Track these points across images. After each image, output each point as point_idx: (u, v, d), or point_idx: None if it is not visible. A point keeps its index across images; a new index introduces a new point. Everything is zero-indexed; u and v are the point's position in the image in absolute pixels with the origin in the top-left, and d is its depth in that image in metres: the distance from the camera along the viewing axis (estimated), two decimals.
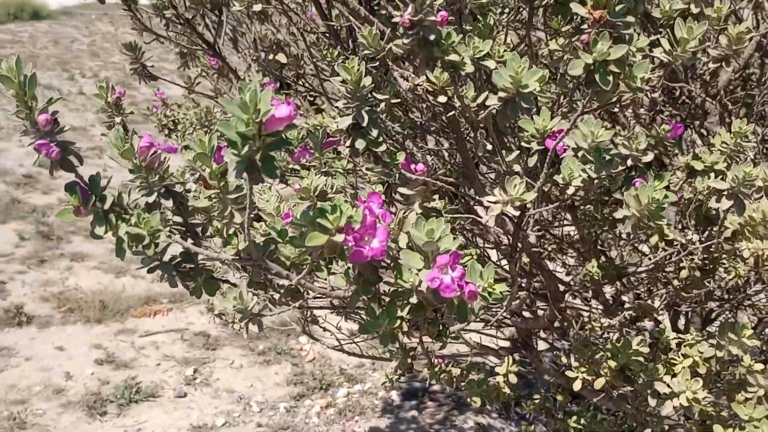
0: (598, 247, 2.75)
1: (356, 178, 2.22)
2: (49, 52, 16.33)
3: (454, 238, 1.56)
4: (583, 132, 1.90)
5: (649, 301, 2.74)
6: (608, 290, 2.63)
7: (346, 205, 1.52)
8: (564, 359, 2.70)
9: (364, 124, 1.76)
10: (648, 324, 2.96)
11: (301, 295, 2.00)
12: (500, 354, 2.90)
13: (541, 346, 3.47)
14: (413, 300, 1.70)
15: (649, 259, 2.56)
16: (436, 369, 2.70)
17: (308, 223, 1.50)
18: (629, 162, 1.99)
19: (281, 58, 2.84)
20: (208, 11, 2.88)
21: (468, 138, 2.07)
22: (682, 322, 3.09)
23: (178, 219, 1.93)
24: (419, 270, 1.60)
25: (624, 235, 2.69)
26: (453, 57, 1.71)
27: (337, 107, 1.81)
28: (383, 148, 1.80)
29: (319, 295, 1.97)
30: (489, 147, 2.02)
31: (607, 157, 1.80)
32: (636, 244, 2.91)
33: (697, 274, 2.35)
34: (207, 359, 5.00)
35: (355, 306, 1.81)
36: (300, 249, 1.68)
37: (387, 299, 1.80)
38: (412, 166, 2.01)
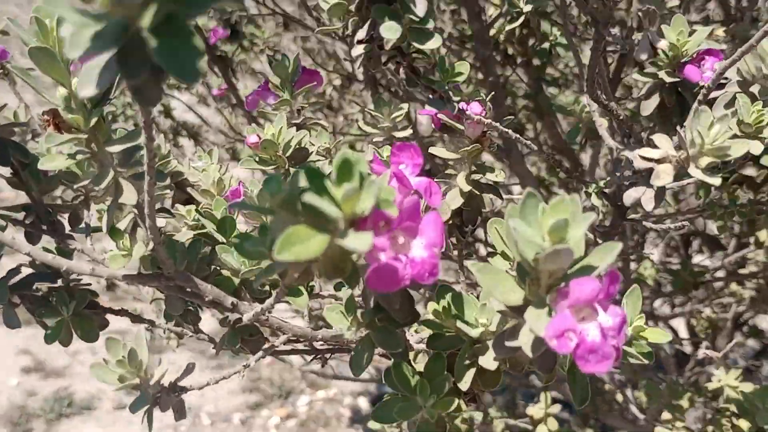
0: None
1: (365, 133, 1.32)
2: None
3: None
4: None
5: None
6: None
7: (363, 162, 0.63)
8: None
9: None
10: None
11: (261, 337, 1.10)
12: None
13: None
14: (488, 361, 0.84)
15: None
16: None
17: (281, 204, 0.60)
18: None
19: None
20: None
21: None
22: None
23: (17, 195, 1.01)
24: (517, 307, 0.74)
25: None
26: None
27: None
28: (437, 43, 0.91)
29: (293, 338, 1.08)
30: None
31: None
32: None
33: None
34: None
35: (363, 365, 0.93)
36: (259, 261, 0.78)
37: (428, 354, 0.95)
38: (463, 106, 1.13)
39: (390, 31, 0.87)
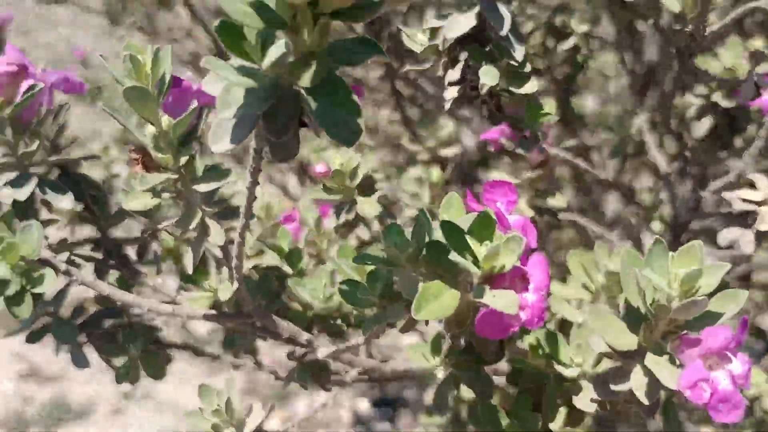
0: None
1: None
2: None
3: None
4: None
5: None
6: None
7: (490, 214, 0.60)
8: None
9: (503, 32, 0.84)
10: None
11: (327, 374, 1.07)
12: None
13: None
14: (585, 402, 0.81)
15: None
16: None
17: (410, 258, 0.58)
18: None
19: None
20: None
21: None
22: None
23: (89, 229, 0.98)
24: (627, 352, 0.71)
25: None
26: None
27: None
28: (534, 87, 0.88)
29: (363, 375, 1.05)
30: None
31: None
32: None
33: None
34: None
35: (448, 403, 0.90)
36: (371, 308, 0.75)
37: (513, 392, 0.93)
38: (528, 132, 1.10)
39: (490, 76, 0.85)
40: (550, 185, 1.19)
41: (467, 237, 0.58)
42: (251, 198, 0.72)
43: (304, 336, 0.99)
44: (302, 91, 0.49)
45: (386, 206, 1.11)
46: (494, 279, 0.59)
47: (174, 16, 3.38)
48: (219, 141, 0.55)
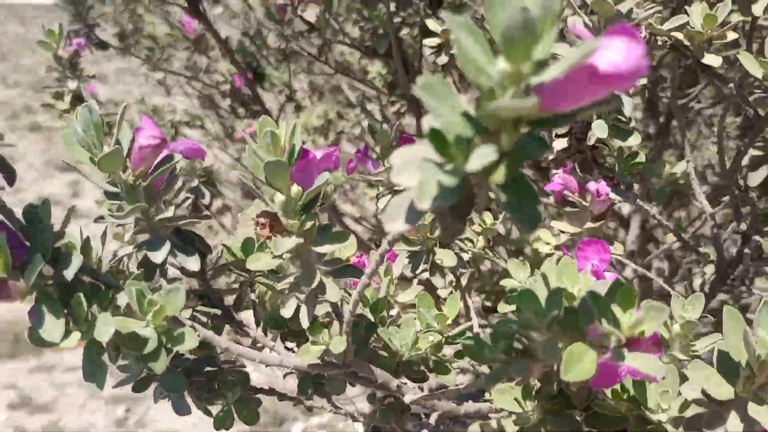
0: None
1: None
2: None
3: None
4: None
5: None
6: None
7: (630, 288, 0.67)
8: None
9: None
10: None
11: (408, 415, 1.12)
12: None
13: None
14: None
15: None
16: None
17: (553, 323, 0.64)
18: None
19: (309, 14, 1.93)
20: None
21: None
22: None
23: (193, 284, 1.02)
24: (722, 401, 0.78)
25: None
26: None
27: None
28: (637, 140, 0.95)
29: (449, 416, 1.10)
30: None
31: None
32: None
33: None
34: (141, 395, 4.20)
35: None
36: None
37: None
38: (592, 186, 1.17)
39: (601, 129, 0.92)
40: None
41: (614, 307, 0.64)
42: (380, 262, 0.78)
43: (395, 382, 1.05)
44: (493, 186, 0.55)
45: (460, 257, 1.18)
46: (635, 343, 0.66)
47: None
48: (394, 221, 0.61)
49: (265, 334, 1.15)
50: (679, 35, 0.96)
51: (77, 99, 1.92)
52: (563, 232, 1.29)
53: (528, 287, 0.71)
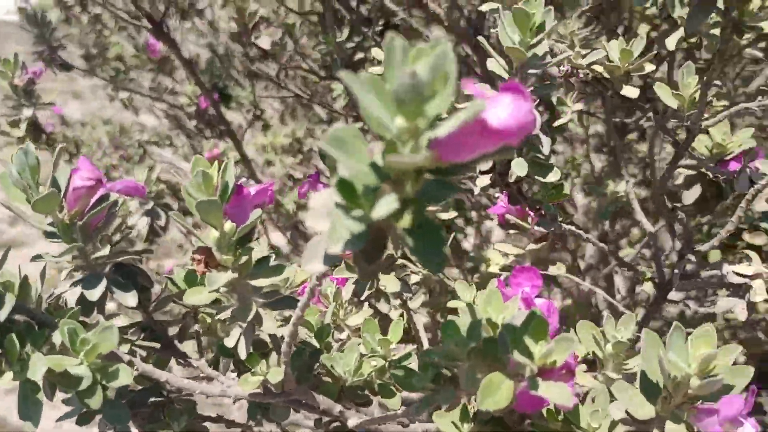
0: None
1: None
2: None
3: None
4: None
5: None
6: None
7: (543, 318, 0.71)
8: None
9: (534, 131, 0.95)
10: None
11: None
12: None
13: None
14: None
15: None
16: None
17: (472, 353, 0.68)
18: None
19: (264, 42, 1.96)
20: None
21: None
22: None
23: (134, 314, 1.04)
24: (644, 420, 0.81)
25: None
26: None
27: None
28: (557, 176, 1.00)
29: None
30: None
31: None
32: None
33: None
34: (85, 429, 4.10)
35: None
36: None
37: None
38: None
39: (520, 167, 0.96)
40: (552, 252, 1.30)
41: (527, 338, 0.67)
42: (310, 296, 0.80)
43: (337, 408, 1.07)
44: (399, 230, 0.58)
45: (405, 281, 1.20)
46: (546, 372, 0.69)
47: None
48: (312, 262, 0.63)
49: (218, 362, 1.17)
50: (600, 69, 1.01)
51: (32, 126, 1.93)
52: (507, 254, 1.33)
53: (451, 320, 0.74)
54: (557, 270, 1.30)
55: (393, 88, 0.50)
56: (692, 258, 1.23)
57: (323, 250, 0.63)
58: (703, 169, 1.32)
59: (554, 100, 1.41)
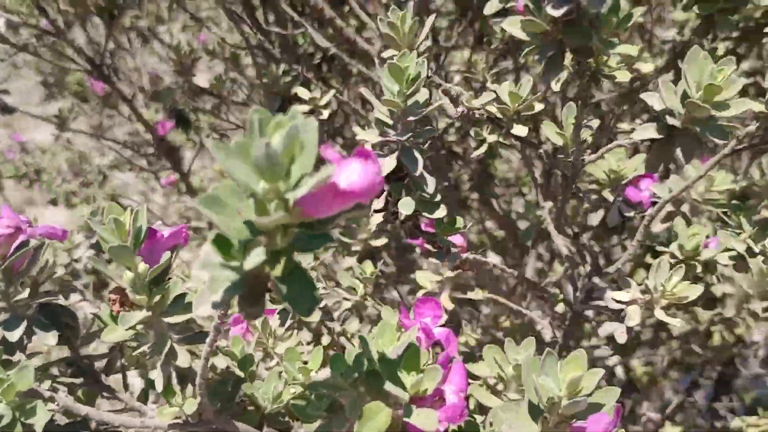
0: None
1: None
2: None
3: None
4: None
5: None
6: None
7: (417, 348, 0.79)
8: None
9: (416, 172, 1.03)
10: None
11: None
12: None
13: None
14: None
15: None
16: None
17: (354, 383, 0.75)
18: None
19: (201, 79, 2.02)
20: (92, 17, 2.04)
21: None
22: None
23: (61, 349, 1.09)
24: None
25: None
26: None
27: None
28: (443, 213, 1.08)
29: None
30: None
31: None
32: None
33: None
34: None
35: None
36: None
37: None
38: (451, 238, 1.29)
39: (407, 206, 1.04)
40: (474, 278, 1.38)
41: (398, 369, 0.75)
42: (216, 334, 0.87)
43: None
44: (273, 277, 0.65)
45: (326, 311, 1.27)
46: (419, 400, 0.76)
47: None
48: (201, 305, 0.70)
49: (147, 395, 1.22)
50: (493, 109, 1.10)
51: None
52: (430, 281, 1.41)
53: (337, 354, 0.81)
54: (475, 295, 1.38)
55: (252, 156, 0.58)
56: (598, 281, 1.33)
57: (208, 297, 0.70)
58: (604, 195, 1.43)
59: (472, 132, 1.51)
